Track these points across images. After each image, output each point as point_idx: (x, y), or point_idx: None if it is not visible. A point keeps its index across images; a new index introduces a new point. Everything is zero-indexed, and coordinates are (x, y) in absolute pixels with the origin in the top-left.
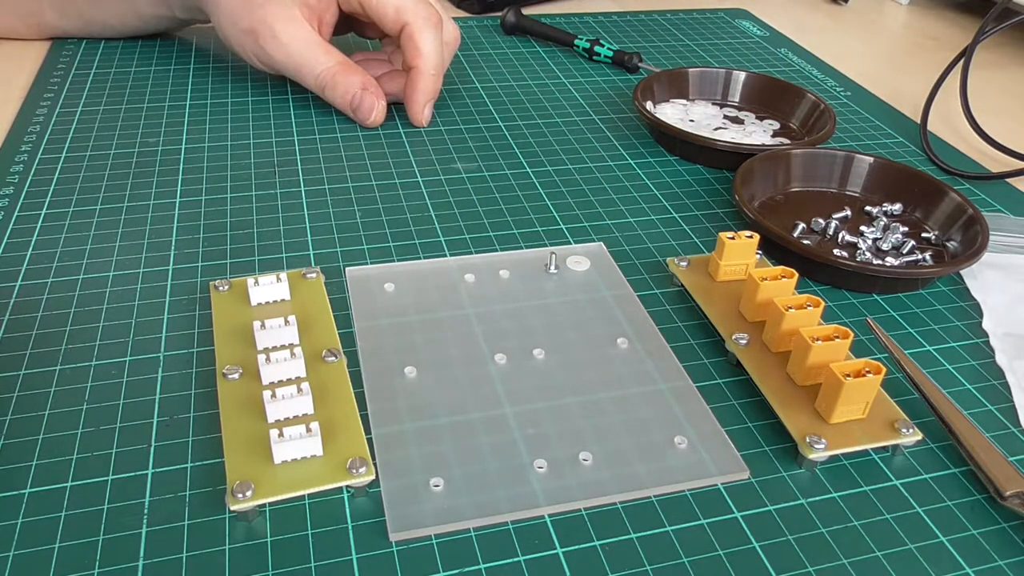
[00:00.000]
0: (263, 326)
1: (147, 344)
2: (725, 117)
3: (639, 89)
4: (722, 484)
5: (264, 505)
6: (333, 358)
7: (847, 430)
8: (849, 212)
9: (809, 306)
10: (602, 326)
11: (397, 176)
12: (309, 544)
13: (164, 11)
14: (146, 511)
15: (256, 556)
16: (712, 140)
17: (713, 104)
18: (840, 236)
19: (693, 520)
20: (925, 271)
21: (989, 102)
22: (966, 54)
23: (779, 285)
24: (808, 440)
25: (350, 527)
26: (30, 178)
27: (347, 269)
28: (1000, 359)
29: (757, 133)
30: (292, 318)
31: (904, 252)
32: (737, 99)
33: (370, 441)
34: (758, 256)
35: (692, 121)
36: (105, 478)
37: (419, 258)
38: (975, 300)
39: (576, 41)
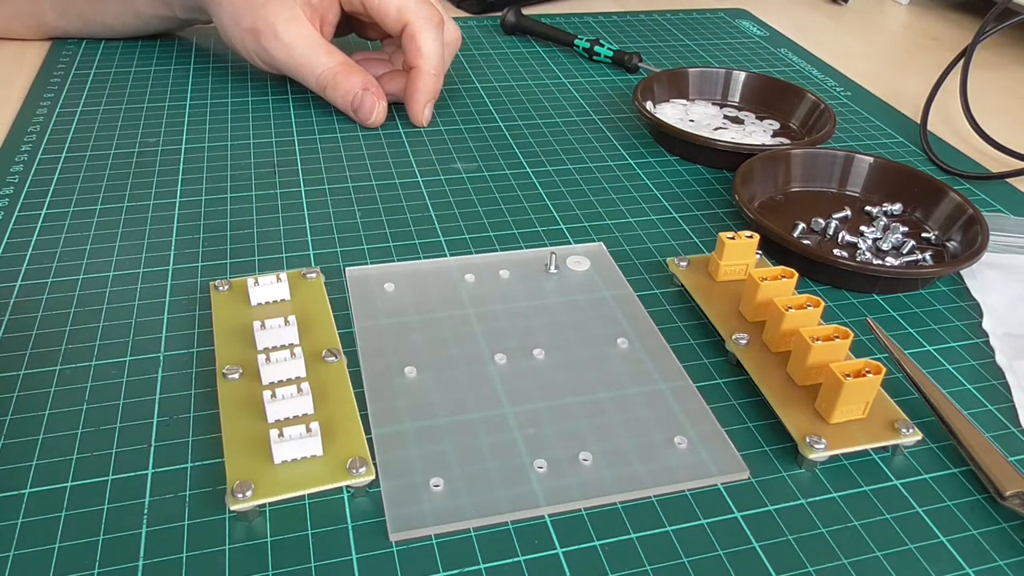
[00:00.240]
0: (263, 326)
1: (147, 344)
2: (725, 117)
3: (639, 89)
4: (722, 484)
5: (264, 505)
6: (333, 358)
7: (847, 430)
8: (849, 212)
9: (809, 306)
10: (602, 326)
11: (397, 176)
12: (309, 544)
13: (165, 11)
14: (146, 511)
15: (256, 556)
16: (712, 140)
17: (713, 104)
18: (840, 236)
19: (693, 520)
20: (925, 271)
21: (989, 102)
22: (966, 54)
23: (779, 285)
24: (808, 440)
25: (350, 527)
26: (30, 178)
27: (347, 269)
28: (1000, 359)
29: (757, 133)
30: (292, 318)
31: (904, 252)
32: (737, 99)
33: (370, 441)
34: (758, 256)
35: (692, 121)
36: (105, 478)
37: (419, 258)
38: (975, 300)
39: (576, 41)
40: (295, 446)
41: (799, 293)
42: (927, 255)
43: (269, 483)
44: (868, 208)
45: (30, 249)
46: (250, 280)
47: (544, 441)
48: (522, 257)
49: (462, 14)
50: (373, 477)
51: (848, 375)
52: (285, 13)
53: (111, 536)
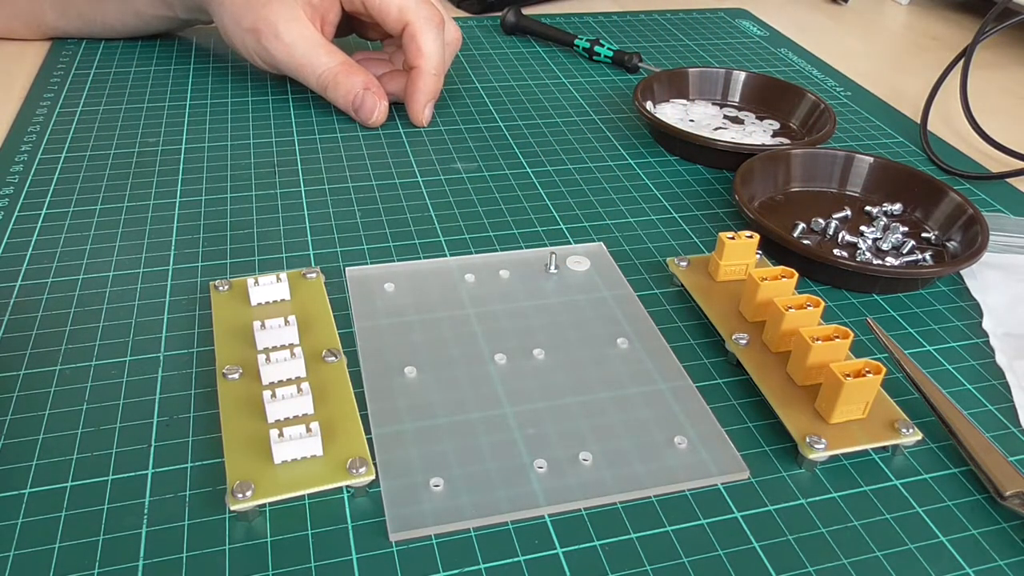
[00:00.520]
0: (263, 326)
1: (147, 344)
2: (725, 117)
3: (639, 89)
4: (722, 484)
5: (264, 505)
6: (333, 358)
7: (847, 430)
8: (849, 212)
9: (809, 306)
10: (602, 326)
11: (397, 176)
12: (309, 544)
13: (165, 11)
14: (146, 511)
15: (256, 556)
16: (712, 140)
17: (713, 104)
18: (840, 236)
19: (693, 520)
20: (925, 271)
21: (989, 102)
22: (966, 54)
23: (779, 285)
24: (808, 440)
25: (350, 527)
26: (30, 178)
27: (347, 269)
28: (1000, 359)
29: (757, 133)
30: (292, 318)
31: (904, 252)
32: (737, 99)
33: (370, 441)
34: (758, 256)
35: (692, 121)
36: (105, 478)
37: (419, 258)
38: (975, 300)
39: (576, 41)
40: (295, 446)
41: (799, 293)
42: (927, 255)
43: (269, 483)
44: (868, 208)
45: (30, 249)
46: (250, 280)
47: (544, 441)
48: (522, 257)
49: (462, 14)
50: (373, 477)
51: (848, 375)
52: (286, 13)
53: (111, 536)
